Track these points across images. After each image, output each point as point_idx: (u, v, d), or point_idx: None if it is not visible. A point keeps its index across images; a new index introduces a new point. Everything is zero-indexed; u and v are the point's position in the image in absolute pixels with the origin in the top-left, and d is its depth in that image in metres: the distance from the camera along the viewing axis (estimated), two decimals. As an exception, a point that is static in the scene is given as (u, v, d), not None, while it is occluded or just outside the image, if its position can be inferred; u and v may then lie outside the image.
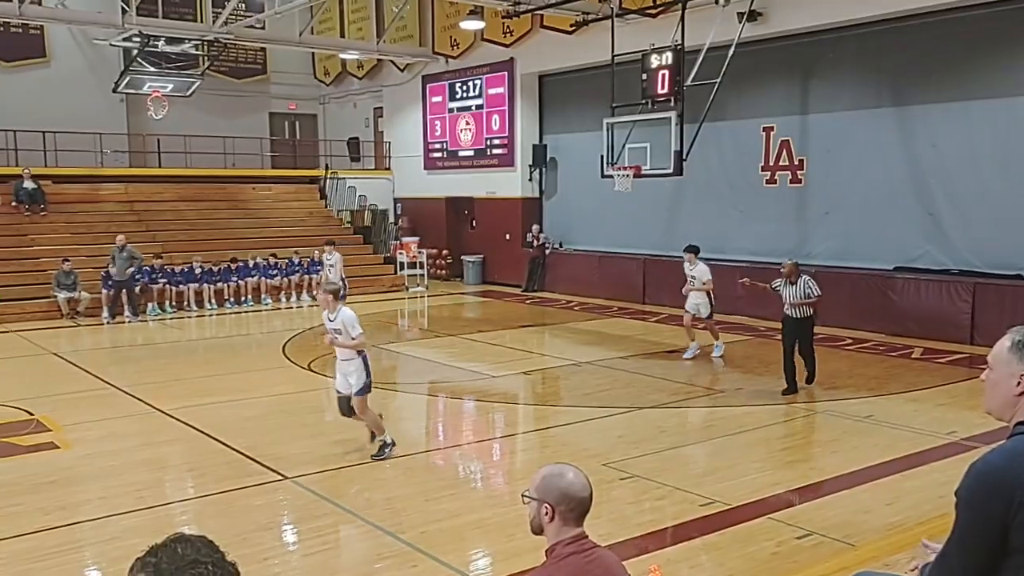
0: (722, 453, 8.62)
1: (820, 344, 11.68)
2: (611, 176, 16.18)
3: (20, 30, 23.32)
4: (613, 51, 16.02)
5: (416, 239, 24.53)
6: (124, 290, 18.42)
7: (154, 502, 7.36)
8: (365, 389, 8.30)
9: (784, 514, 6.79)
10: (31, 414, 10.17)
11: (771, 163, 17.63)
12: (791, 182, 17.33)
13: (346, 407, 8.49)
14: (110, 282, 18.48)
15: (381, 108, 27.72)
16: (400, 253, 24.24)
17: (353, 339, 8.17)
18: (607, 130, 16.21)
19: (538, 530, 3.04)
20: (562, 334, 16.57)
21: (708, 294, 13.24)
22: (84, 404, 10.89)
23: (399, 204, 26.84)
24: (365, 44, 24.75)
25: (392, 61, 25.80)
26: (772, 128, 17.52)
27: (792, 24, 16.27)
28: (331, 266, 18.36)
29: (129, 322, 18.17)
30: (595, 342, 15.33)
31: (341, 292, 8.84)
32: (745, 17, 15.95)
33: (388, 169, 27.14)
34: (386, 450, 8.40)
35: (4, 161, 21.96)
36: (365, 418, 8.49)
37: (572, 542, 2.94)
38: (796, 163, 17.21)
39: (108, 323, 17.97)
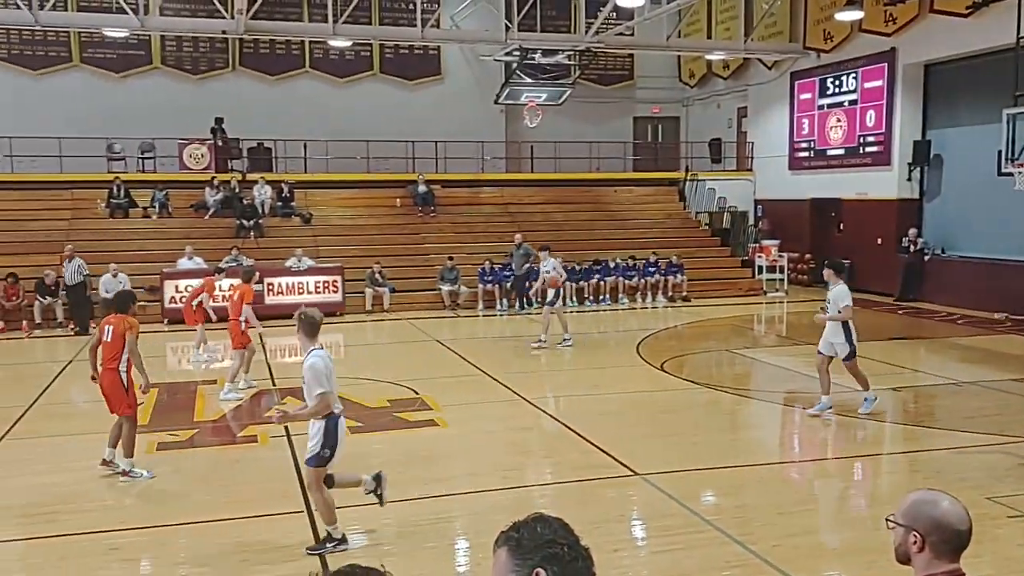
0: None
1: None
2: (1010, 174, 14.30)
3: (421, 51, 26.35)
4: (1019, 33, 14.13)
5: (776, 242, 23.66)
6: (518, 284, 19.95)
7: (516, 483, 7.90)
8: (316, 460, 6.23)
9: None
10: (416, 393, 11.42)
11: None
12: None
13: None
14: (486, 278, 20.23)
15: (745, 108, 27.12)
16: (759, 256, 23.53)
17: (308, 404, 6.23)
18: (1007, 122, 14.35)
19: (904, 559, 2.76)
20: (940, 349, 14.98)
21: None
22: (460, 387, 12.00)
23: (760, 206, 26.07)
24: (732, 44, 24.40)
25: (759, 59, 25.14)
26: None
27: None
28: (547, 272, 16.32)
29: (501, 315, 19.71)
30: (980, 360, 13.65)
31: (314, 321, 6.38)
32: None
33: (750, 170, 26.48)
34: (328, 545, 6.24)
35: (404, 168, 24.95)
36: (312, 496, 6.46)
37: (947, 578, 2.63)
38: None
39: (502, 313, 19.67)
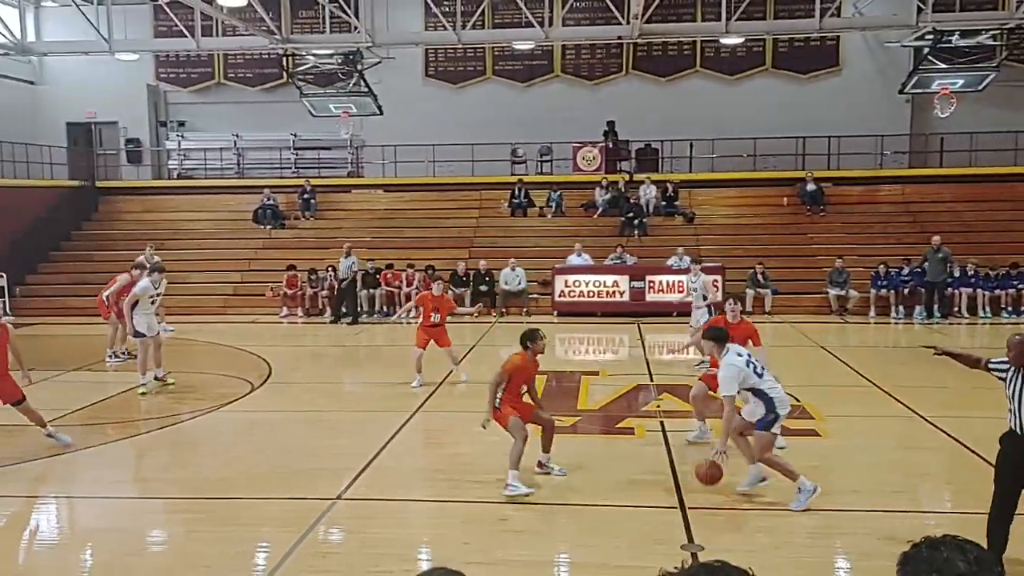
0: None
1: None
2: None
3: (818, 43, 25.10)
4: None
5: None
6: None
7: (905, 507, 7.23)
8: (763, 424, 7.10)
9: None
10: (797, 400, 10.94)
11: None
12: None
13: None
14: (880, 282, 18.77)
15: None
16: None
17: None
18: None
19: None
20: None
21: None
22: (845, 398, 11.27)
23: None
24: None
25: None
26: None
27: None
28: (695, 289, 14.01)
29: (896, 323, 18.17)
30: None
31: None
32: None
33: None
34: (802, 496, 6.93)
35: (793, 165, 23.97)
36: (768, 461, 7.24)
37: None
38: None
39: (898, 321, 18.35)
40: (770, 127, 23.93)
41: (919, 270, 18.78)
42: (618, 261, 19.95)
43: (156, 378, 12.01)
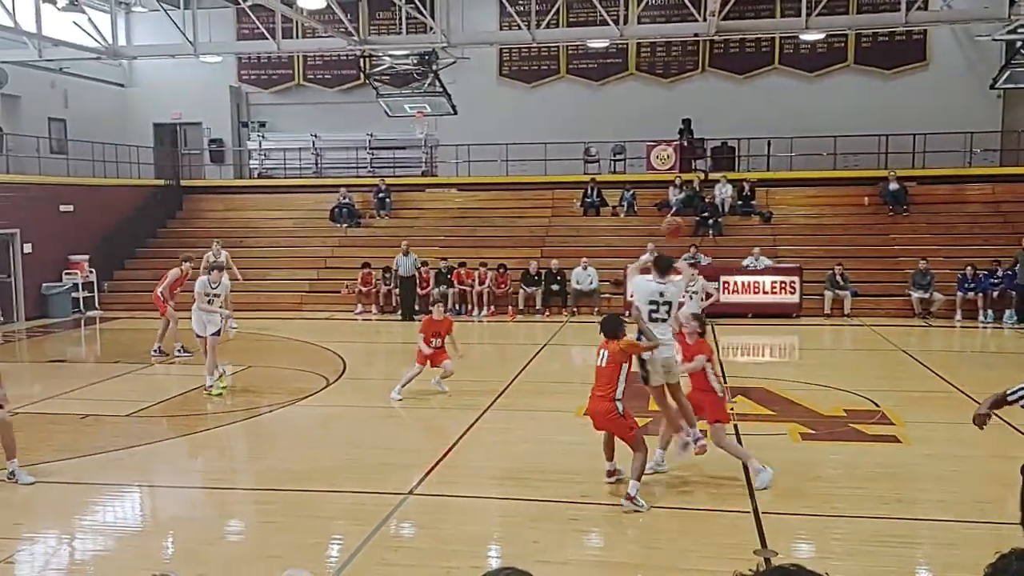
0: None
1: None
2: None
3: (903, 37, 24.30)
4: None
5: None
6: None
7: (996, 518, 6.93)
8: None
9: None
10: (876, 405, 10.62)
11: None
12: None
13: None
14: (967, 284, 18.11)
15: None
16: None
17: None
18: None
19: None
20: None
21: None
22: (927, 404, 10.89)
23: None
24: None
25: None
26: None
27: None
28: (694, 292, 12.90)
29: (984, 327, 17.50)
30: None
31: None
32: None
33: None
34: None
35: (875, 164, 23.28)
36: None
37: None
38: None
39: (986, 325, 17.72)
40: (851, 124, 23.29)
41: (1010, 272, 18.06)
42: (692, 261, 19.66)
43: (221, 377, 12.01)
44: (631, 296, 7.76)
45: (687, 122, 24.13)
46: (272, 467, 8.68)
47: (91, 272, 21.19)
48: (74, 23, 19.84)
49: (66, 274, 20.71)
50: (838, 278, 18.83)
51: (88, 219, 21.63)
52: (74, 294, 20.58)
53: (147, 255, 23.22)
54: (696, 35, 20.79)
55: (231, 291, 13.26)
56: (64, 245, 20.73)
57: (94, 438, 9.66)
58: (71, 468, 8.43)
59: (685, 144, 24.08)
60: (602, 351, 7.31)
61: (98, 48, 20.29)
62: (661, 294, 7.59)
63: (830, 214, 22.43)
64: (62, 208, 20.96)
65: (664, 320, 7.54)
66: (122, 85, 26.92)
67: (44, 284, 20.15)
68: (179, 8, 20.02)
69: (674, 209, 22.42)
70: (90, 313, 20.67)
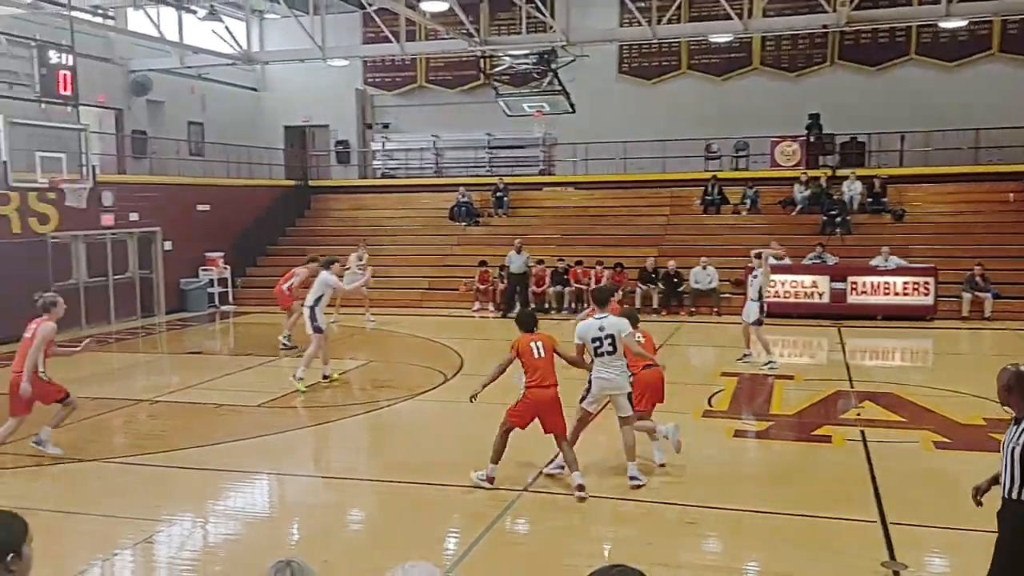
0: None
1: None
2: None
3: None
4: None
5: None
6: None
7: None
8: None
9: None
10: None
11: None
12: None
13: None
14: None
15: None
16: None
17: None
18: None
19: None
20: None
21: None
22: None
23: None
24: None
25: None
26: None
27: None
28: (754, 277, 13.10)
29: None
30: None
31: None
32: None
33: None
34: None
35: (1021, 158, 21.86)
36: None
37: None
38: None
39: None
40: (995, 117, 21.91)
41: None
42: (817, 261, 19.00)
43: (324, 376, 12.25)
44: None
45: (815, 116, 23.27)
46: (390, 460, 8.90)
47: (226, 268, 22.25)
48: (212, 31, 20.91)
49: (203, 270, 21.82)
50: (977, 279, 17.79)
51: (223, 218, 22.72)
52: (210, 289, 21.66)
53: (278, 252, 24.19)
54: (825, 27, 20.05)
55: (369, 287, 13.68)
56: (201, 243, 21.85)
57: (227, 427, 10.15)
58: (207, 455, 8.89)
59: (812, 139, 23.26)
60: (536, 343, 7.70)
61: (234, 54, 21.30)
62: (601, 328, 7.56)
63: (969, 211, 21.20)
64: (199, 207, 22.09)
65: (611, 353, 7.53)
66: (255, 89, 28.14)
67: (182, 280, 21.28)
68: (309, 14, 20.77)
69: (799, 207, 21.72)
70: (224, 308, 21.71)
